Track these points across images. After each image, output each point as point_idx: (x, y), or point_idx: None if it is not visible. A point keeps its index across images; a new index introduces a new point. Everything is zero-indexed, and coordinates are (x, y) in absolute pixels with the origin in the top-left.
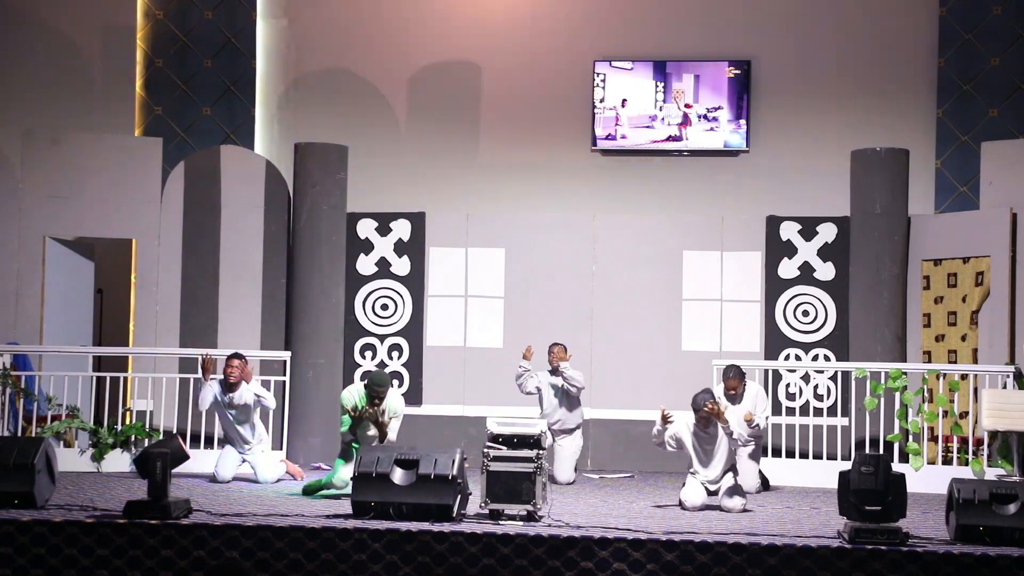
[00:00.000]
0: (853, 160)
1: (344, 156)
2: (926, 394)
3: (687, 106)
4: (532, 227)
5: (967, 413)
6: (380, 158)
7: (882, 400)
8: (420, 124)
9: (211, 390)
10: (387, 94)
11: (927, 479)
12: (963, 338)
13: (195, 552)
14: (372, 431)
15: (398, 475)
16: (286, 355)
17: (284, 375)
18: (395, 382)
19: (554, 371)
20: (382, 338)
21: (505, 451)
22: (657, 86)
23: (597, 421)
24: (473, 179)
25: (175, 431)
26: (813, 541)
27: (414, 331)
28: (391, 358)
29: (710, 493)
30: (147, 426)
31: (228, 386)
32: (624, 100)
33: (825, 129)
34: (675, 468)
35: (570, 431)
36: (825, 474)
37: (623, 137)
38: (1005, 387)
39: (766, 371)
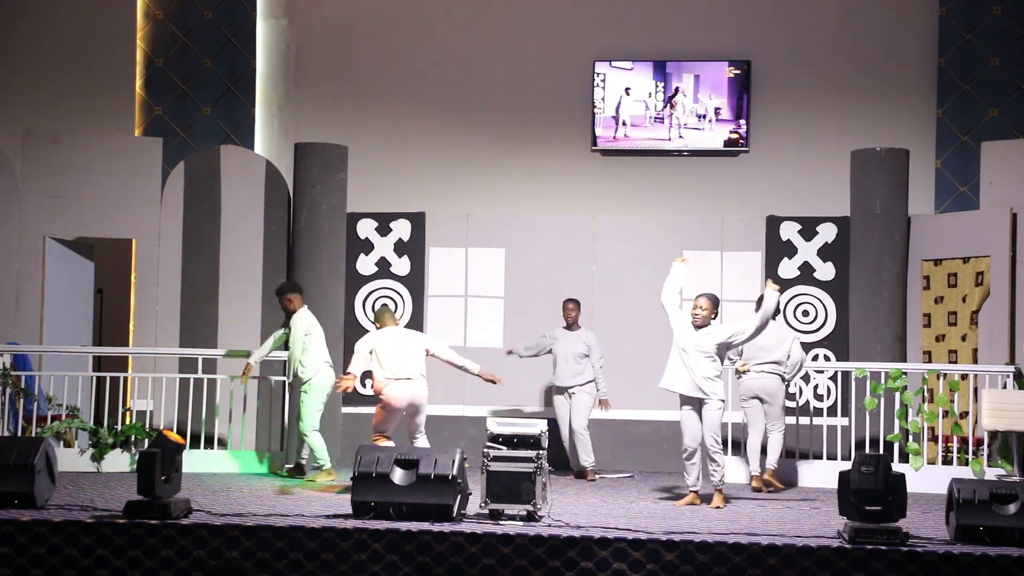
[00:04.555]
0: (853, 160)
1: (344, 156)
2: (926, 394)
3: (689, 98)
4: (532, 227)
5: (967, 413)
6: (380, 158)
7: (882, 400)
8: (420, 124)
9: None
10: (387, 94)
11: (927, 479)
12: (963, 338)
13: (195, 552)
14: None
15: (398, 475)
16: (286, 355)
17: (284, 375)
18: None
19: (568, 327)
20: None
21: (505, 451)
22: (657, 86)
23: (597, 421)
24: (473, 179)
25: (174, 431)
26: (813, 541)
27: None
28: None
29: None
30: (147, 426)
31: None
32: (624, 100)
33: (825, 129)
34: (675, 468)
35: (584, 384)
36: (825, 474)
37: (623, 137)
38: (1005, 387)
39: None
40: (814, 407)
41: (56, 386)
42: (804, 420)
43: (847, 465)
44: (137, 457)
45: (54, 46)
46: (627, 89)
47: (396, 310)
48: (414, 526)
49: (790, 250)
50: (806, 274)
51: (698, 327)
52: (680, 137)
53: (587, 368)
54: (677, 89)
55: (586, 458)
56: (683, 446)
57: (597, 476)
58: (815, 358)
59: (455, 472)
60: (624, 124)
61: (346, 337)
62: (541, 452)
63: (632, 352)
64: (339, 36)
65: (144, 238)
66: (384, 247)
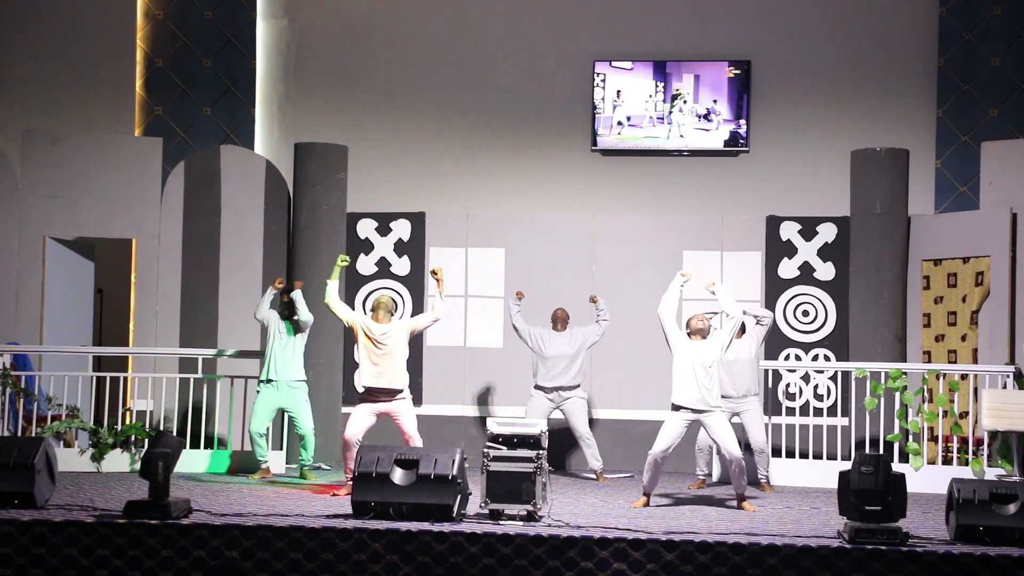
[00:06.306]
0: (853, 160)
1: (344, 156)
2: (926, 394)
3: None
4: (532, 227)
5: (967, 413)
6: (380, 158)
7: (882, 400)
8: (420, 124)
9: (271, 295)
10: (387, 94)
11: (927, 479)
12: (963, 338)
13: (195, 552)
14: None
15: (398, 475)
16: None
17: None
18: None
19: (556, 328)
20: None
21: (505, 451)
22: (657, 86)
23: (597, 421)
24: (473, 179)
25: (175, 431)
26: (813, 541)
27: None
28: None
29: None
30: (147, 426)
31: (284, 317)
32: (624, 100)
33: (825, 129)
34: (675, 468)
35: (573, 388)
36: (825, 474)
37: (623, 137)
38: (1005, 387)
39: (766, 371)
40: (814, 407)
41: (56, 386)
42: (804, 420)
43: (847, 465)
44: (145, 457)
45: (54, 46)
46: (618, 92)
47: (396, 310)
48: (414, 526)
49: (790, 250)
50: (806, 274)
51: (701, 338)
52: (680, 137)
53: (574, 369)
54: (677, 94)
55: (595, 462)
56: (653, 450)
57: (607, 477)
58: (815, 358)
59: (455, 472)
60: (621, 124)
61: (346, 338)
62: (541, 452)
63: (632, 352)
64: (339, 36)
65: (144, 238)
66: (384, 247)
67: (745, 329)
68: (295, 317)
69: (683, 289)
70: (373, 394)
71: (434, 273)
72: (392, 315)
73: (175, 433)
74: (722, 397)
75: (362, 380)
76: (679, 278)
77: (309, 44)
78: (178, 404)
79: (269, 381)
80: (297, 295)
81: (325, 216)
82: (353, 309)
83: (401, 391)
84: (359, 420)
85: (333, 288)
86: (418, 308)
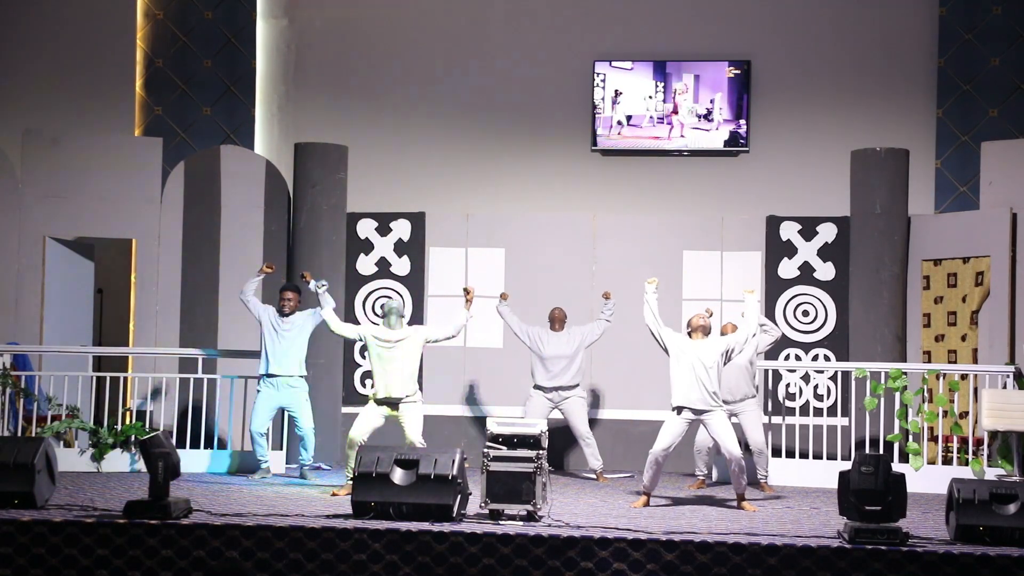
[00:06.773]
0: (853, 160)
1: (344, 156)
2: (926, 394)
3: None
4: (532, 227)
5: (967, 413)
6: (380, 158)
7: (882, 400)
8: (420, 124)
9: (258, 282)
10: (387, 94)
11: (927, 479)
12: (963, 338)
13: (195, 552)
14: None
15: (398, 475)
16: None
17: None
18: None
19: (554, 328)
20: None
21: (505, 451)
22: (657, 86)
23: (597, 421)
24: (473, 179)
25: (174, 432)
26: (813, 541)
27: None
28: None
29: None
30: (147, 426)
31: (283, 314)
32: (623, 100)
33: (825, 129)
34: (675, 468)
35: (572, 388)
36: (825, 474)
37: (623, 137)
38: (1005, 387)
39: (766, 371)
40: (814, 407)
41: (56, 386)
42: (804, 420)
43: (847, 465)
44: (146, 457)
45: (54, 46)
46: (617, 91)
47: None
48: (414, 526)
49: (790, 250)
50: (806, 274)
51: (702, 336)
52: (680, 137)
53: (573, 369)
54: (677, 94)
55: (595, 462)
56: (654, 449)
57: (607, 477)
58: (815, 358)
59: (455, 472)
60: (621, 124)
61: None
62: (541, 452)
63: (632, 352)
64: (339, 36)
65: (144, 238)
66: (384, 247)
67: None
68: (322, 308)
69: (656, 294)
70: (385, 398)
71: (466, 291)
72: (403, 318)
73: (173, 431)
74: None
75: (376, 391)
76: (648, 286)
77: (309, 44)
78: (178, 404)
79: (270, 376)
80: (314, 286)
81: (325, 216)
82: (353, 311)
83: (411, 394)
84: (367, 420)
85: (330, 314)
86: (417, 308)
